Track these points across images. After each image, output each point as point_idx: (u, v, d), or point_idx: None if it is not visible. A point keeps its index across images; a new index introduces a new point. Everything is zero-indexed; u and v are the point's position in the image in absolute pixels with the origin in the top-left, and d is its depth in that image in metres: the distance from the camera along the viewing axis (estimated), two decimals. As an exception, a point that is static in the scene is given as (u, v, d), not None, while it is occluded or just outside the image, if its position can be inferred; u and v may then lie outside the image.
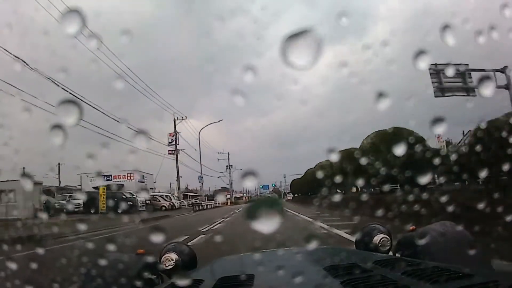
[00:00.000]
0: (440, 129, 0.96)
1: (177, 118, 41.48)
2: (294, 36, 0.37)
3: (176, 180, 41.59)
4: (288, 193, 71.06)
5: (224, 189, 74.87)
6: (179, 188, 42.53)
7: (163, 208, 32.84)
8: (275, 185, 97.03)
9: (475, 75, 17.02)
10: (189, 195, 59.23)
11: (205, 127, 45.66)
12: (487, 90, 0.88)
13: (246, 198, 78.84)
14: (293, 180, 50.58)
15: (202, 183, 48.12)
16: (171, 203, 35.48)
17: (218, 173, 64.19)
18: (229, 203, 58.61)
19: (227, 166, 67.74)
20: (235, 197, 76.54)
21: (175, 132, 41.71)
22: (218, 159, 65.84)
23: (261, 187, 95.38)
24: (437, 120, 0.96)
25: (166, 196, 38.92)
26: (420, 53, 0.68)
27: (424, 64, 0.68)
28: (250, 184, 0.76)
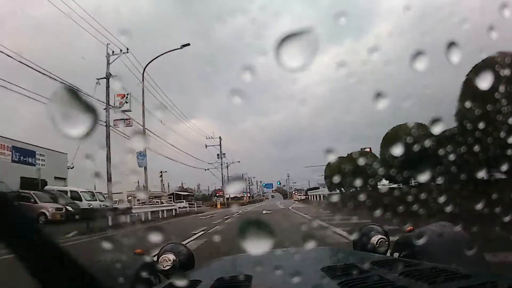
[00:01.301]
0: (437, 129, 0.96)
1: (113, 52, 22.50)
2: (288, 38, 0.37)
3: (107, 168, 20.33)
4: (307, 190, 50.07)
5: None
6: (109, 180, 20.98)
7: (42, 218, 16.97)
8: (280, 183, 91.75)
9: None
10: (182, 195, 49.76)
11: (159, 57, 24.70)
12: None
13: (247, 198, 68.90)
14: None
15: (145, 167, 24.29)
16: (65, 208, 18.53)
17: (207, 164, 48.23)
18: (219, 206, 45.19)
19: (218, 155, 50.90)
20: (233, 197, 61.32)
21: (108, 74, 21.92)
22: (206, 146, 48.78)
23: (263, 185, 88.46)
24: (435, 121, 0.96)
25: (74, 194, 21.87)
26: (419, 53, 0.69)
27: (421, 64, 0.68)
28: (239, 187, 0.71)
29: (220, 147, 51.91)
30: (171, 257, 1.46)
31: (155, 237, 0.76)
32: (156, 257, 1.48)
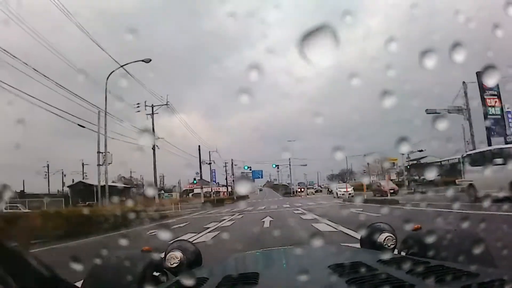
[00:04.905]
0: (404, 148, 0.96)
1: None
2: (312, 34, 0.37)
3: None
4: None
5: (202, 181, 36.55)
6: None
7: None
8: (276, 166, 54.76)
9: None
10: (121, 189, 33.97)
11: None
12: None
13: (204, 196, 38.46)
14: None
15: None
16: None
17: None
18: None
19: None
20: (207, 192, 38.00)
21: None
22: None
23: (245, 168, 53.01)
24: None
25: None
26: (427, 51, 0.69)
27: (431, 62, 0.68)
28: (244, 190, 0.57)
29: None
30: (179, 254, 1.47)
31: None
32: (163, 255, 1.49)
